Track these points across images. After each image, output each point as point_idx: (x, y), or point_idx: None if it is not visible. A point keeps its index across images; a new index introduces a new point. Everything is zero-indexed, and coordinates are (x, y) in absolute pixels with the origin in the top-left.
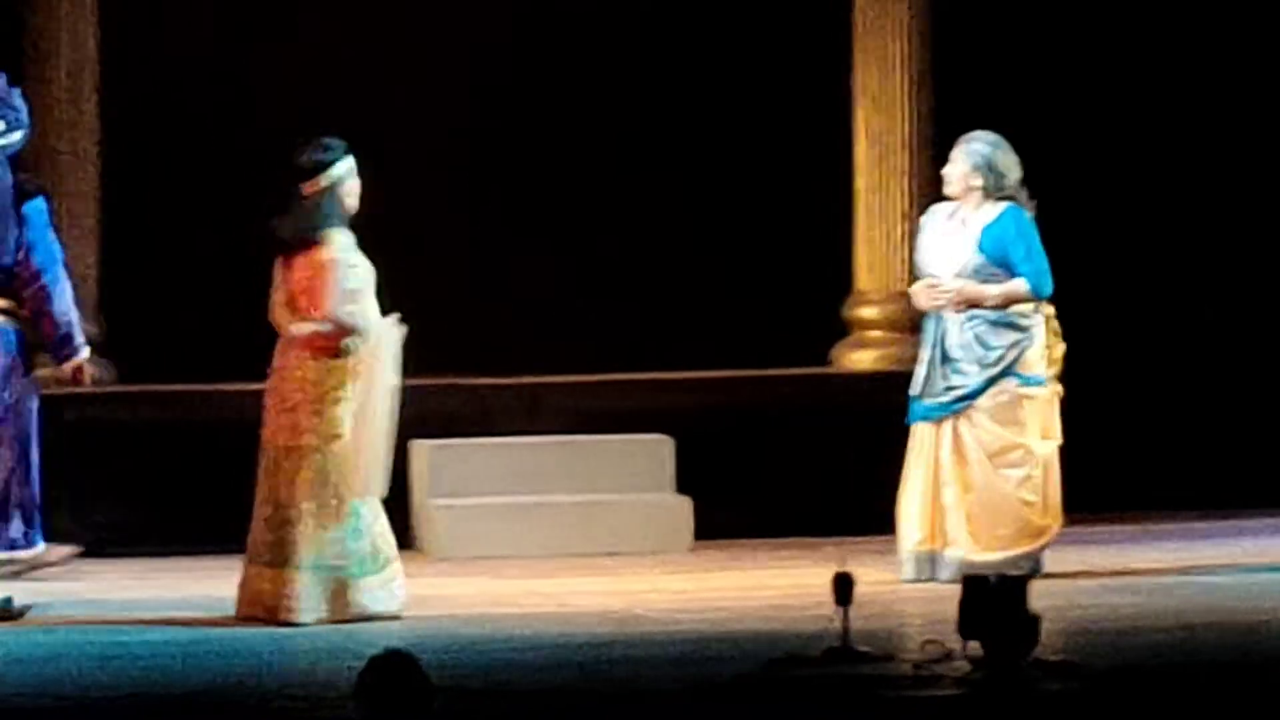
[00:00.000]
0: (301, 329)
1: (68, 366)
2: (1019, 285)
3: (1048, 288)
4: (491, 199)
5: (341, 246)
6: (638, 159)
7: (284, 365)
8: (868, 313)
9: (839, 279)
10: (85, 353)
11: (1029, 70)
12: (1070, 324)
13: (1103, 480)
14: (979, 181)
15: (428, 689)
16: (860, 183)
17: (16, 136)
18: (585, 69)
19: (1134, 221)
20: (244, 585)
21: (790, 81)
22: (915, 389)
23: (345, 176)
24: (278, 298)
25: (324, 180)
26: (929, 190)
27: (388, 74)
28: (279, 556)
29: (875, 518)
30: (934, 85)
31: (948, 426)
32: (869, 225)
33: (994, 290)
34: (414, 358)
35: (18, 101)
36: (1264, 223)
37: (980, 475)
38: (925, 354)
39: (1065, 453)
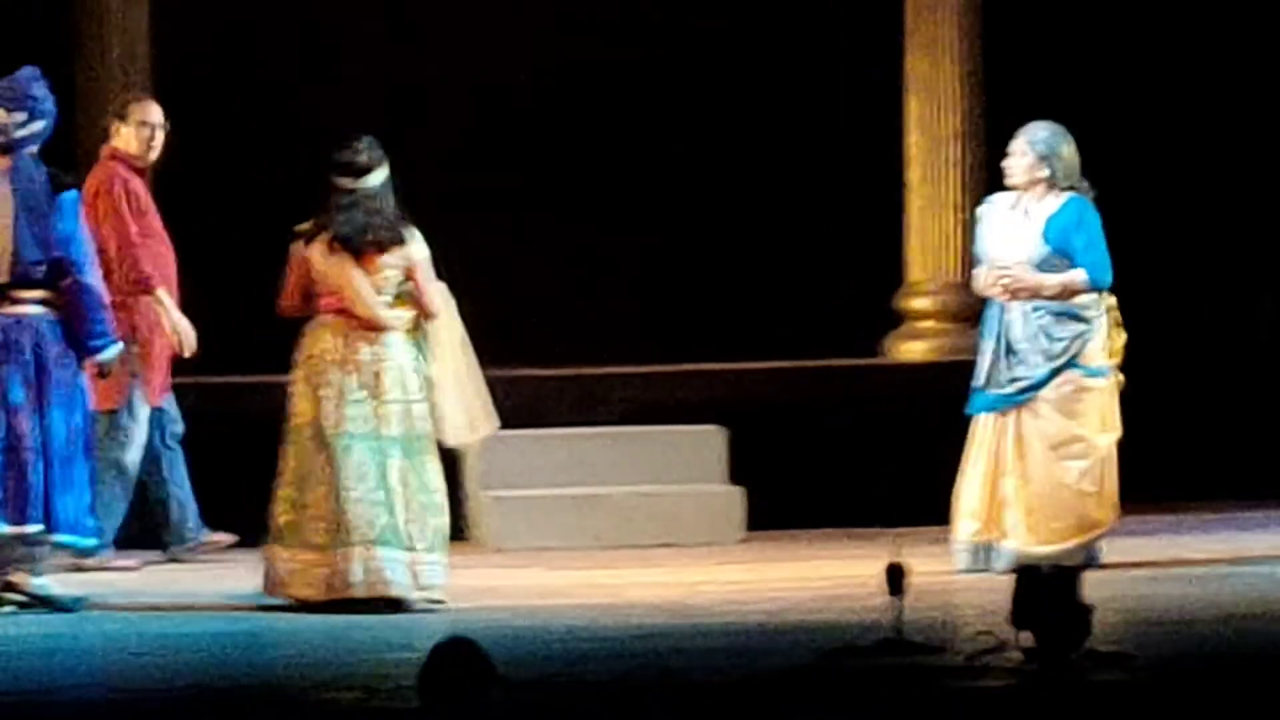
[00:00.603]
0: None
1: (95, 360)
2: (1078, 275)
3: (1107, 279)
4: (545, 184)
5: (423, 242)
6: (692, 150)
7: (382, 356)
8: (920, 303)
9: (891, 270)
10: (113, 350)
11: (1081, 59)
12: (1129, 314)
13: (1158, 470)
14: (1045, 172)
15: (492, 675)
16: (912, 174)
17: (39, 126)
18: (635, 59)
19: (1192, 211)
20: (334, 569)
21: (842, 71)
22: (979, 380)
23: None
24: (364, 290)
25: (381, 176)
26: (981, 181)
27: (460, 48)
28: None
29: (927, 508)
30: (985, 75)
31: (1011, 417)
32: (921, 216)
33: (1052, 279)
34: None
35: (38, 90)
36: None
37: (1041, 467)
38: (988, 345)
39: (1122, 443)
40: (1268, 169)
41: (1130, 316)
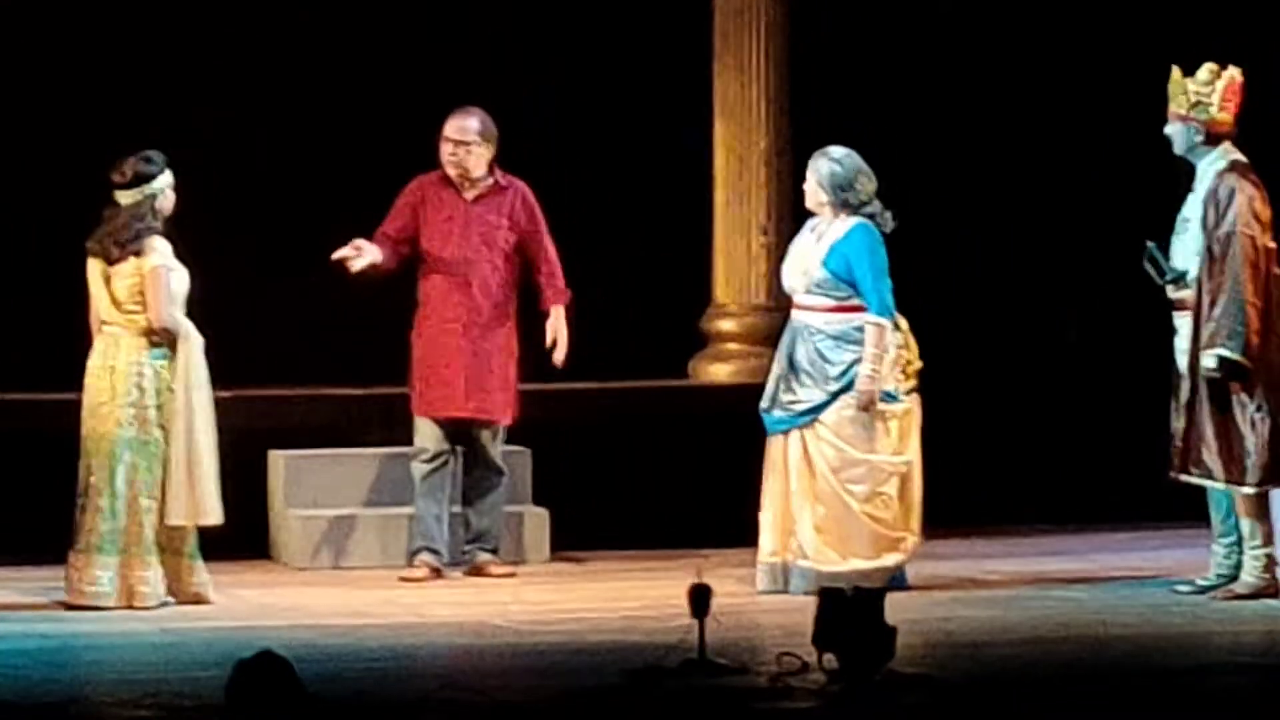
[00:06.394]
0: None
1: None
2: (868, 318)
3: (890, 311)
4: (353, 202)
5: (163, 254)
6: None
7: (113, 365)
8: (726, 325)
9: (697, 291)
10: None
11: (888, 84)
12: (931, 338)
13: (959, 494)
14: (825, 197)
15: (300, 692)
16: (719, 195)
17: None
18: (439, 70)
19: (996, 235)
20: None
21: (650, 93)
22: (764, 402)
23: (164, 189)
24: (101, 301)
25: (145, 192)
26: (788, 204)
27: (228, 84)
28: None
29: (733, 530)
30: (792, 99)
31: (795, 438)
32: (727, 238)
33: (868, 356)
34: (269, 368)
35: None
36: (1124, 238)
37: (827, 489)
38: (775, 368)
39: (924, 467)
40: (1077, 193)
41: (936, 340)
